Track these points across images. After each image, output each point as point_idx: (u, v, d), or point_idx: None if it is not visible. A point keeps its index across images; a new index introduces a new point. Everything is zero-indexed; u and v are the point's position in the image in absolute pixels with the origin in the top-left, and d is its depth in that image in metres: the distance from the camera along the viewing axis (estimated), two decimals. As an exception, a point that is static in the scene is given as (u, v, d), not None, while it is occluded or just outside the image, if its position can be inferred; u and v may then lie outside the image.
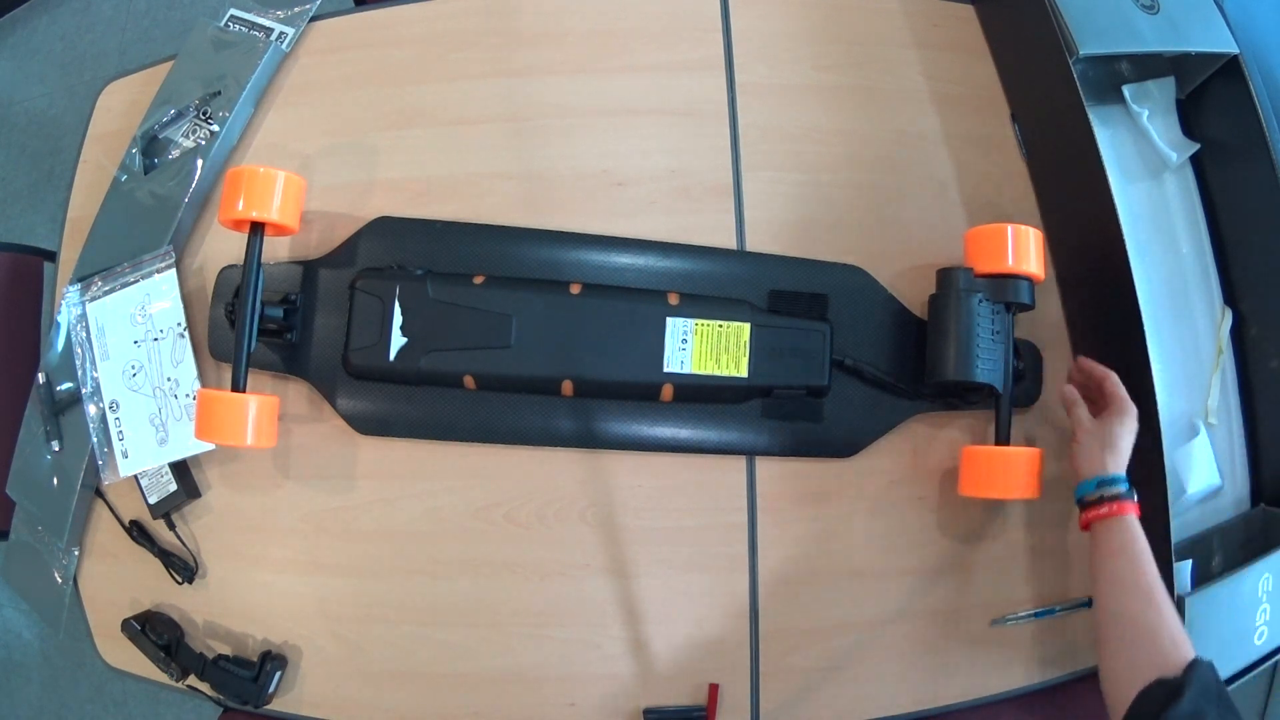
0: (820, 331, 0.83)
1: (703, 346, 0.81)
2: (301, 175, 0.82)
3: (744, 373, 0.82)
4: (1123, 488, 0.73)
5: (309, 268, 0.86)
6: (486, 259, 0.86)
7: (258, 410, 0.78)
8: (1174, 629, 0.66)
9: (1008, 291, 0.79)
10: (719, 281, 0.86)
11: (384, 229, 0.87)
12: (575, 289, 0.83)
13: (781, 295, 0.86)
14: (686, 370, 0.81)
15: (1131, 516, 0.72)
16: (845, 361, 0.84)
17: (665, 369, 0.81)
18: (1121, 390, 0.77)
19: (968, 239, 0.82)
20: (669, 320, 0.82)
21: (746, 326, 0.82)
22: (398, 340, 0.81)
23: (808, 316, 0.84)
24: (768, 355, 0.82)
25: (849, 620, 0.85)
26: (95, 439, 0.85)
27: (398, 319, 0.81)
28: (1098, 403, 0.79)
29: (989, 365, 0.78)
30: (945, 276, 0.83)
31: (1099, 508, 0.73)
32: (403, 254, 0.86)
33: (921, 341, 0.84)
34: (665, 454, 0.85)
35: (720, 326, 0.82)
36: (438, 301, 0.81)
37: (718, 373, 0.81)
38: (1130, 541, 0.71)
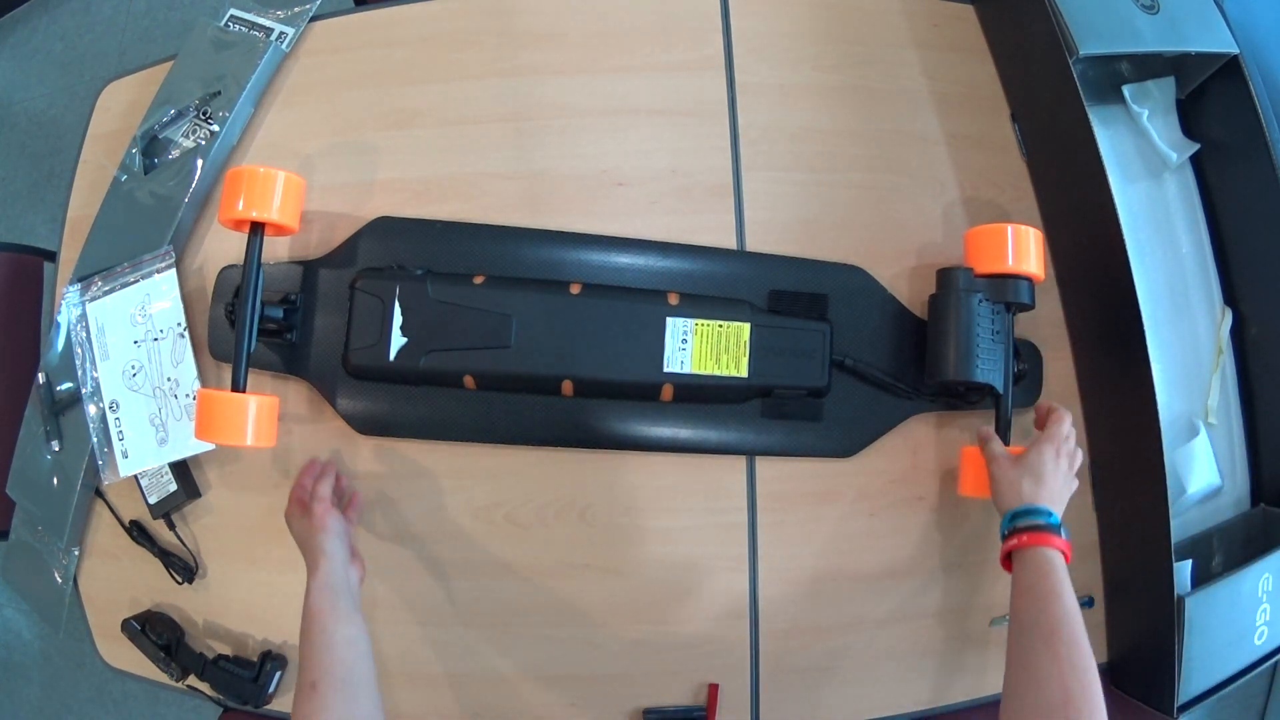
0: (820, 331, 0.83)
1: (703, 346, 0.81)
2: (301, 175, 0.82)
3: (744, 373, 0.82)
4: (1042, 519, 0.67)
5: (309, 268, 0.86)
6: (486, 259, 0.86)
7: (258, 410, 0.78)
8: (1069, 684, 0.58)
9: (1008, 291, 0.79)
10: (719, 281, 0.86)
11: (384, 229, 0.87)
12: (575, 289, 0.83)
13: (781, 295, 0.86)
14: (686, 370, 0.81)
15: (1047, 551, 0.65)
16: (845, 361, 0.84)
17: (665, 369, 0.81)
18: (1053, 424, 0.72)
19: (968, 239, 0.82)
20: (669, 320, 0.82)
21: (746, 326, 0.82)
22: (398, 340, 0.81)
23: (808, 316, 0.84)
24: (768, 355, 0.82)
25: (849, 620, 0.85)
26: (95, 439, 0.85)
27: (398, 319, 0.81)
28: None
29: (989, 365, 0.78)
30: (945, 276, 0.83)
31: (1012, 539, 0.67)
32: (403, 254, 0.86)
33: (921, 341, 0.84)
34: (665, 454, 0.85)
35: (720, 326, 0.82)
36: (438, 302, 0.81)
37: (718, 373, 0.81)
38: (1039, 579, 0.64)
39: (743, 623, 0.85)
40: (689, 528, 0.85)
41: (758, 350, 0.82)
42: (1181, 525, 0.85)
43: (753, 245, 0.88)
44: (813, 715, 0.85)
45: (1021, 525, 0.68)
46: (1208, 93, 0.89)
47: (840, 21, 0.93)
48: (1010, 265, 0.78)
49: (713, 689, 0.84)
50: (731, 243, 0.88)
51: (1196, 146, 0.90)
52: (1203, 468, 0.86)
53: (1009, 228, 0.79)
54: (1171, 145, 0.90)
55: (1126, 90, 0.91)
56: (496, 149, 0.90)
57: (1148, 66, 0.91)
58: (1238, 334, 0.90)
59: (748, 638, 0.85)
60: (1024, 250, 0.79)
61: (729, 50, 0.92)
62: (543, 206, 0.89)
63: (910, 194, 0.90)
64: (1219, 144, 0.90)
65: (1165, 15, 0.83)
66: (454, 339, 0.81)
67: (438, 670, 0.85)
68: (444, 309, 0.81)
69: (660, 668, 0.85)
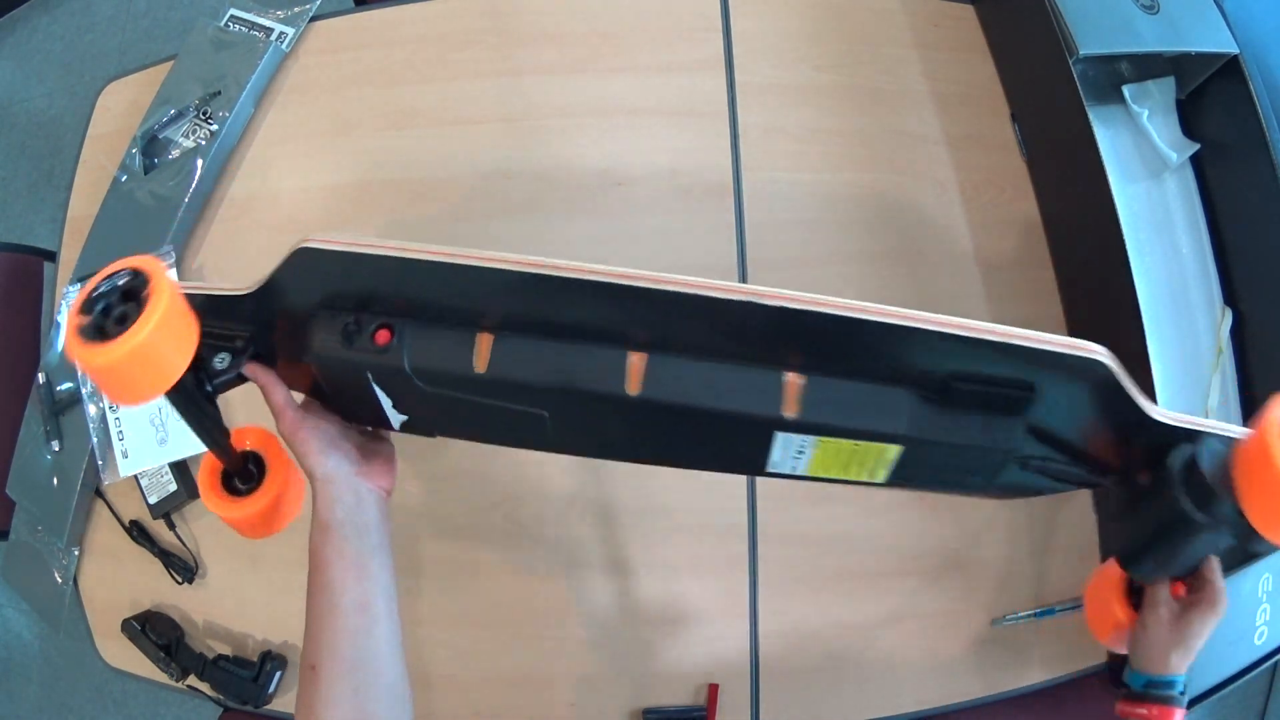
0: (1004, 451, 0.53)
1: (825, 460, 0.56)
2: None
3: (879, 479, 0.58)
4: (1175, 691, 0.63)
5: (247, 302, 0.53)
6: (489, 309, 0.52)
7: (261, 511, 0.58)
8: None
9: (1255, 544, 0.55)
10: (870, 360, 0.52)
11: (309, 266, 0.50)
12: (633, 387, 0.51)
13: (963, 381, 0.51)
14: (800, 473, 0.58)
15: None
16: (1031, 461, 0.55)
17: (768, 469, 0.57)
18: (1217, 577, 0.61)
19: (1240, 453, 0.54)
20: (778, 435, 0.54)
21: (894, 449, 0.54)
22: (397, 417, 0.58)
23: (994, 412, 0.53)
24: (917, 468, 0.56)
25: (849, 620, 0.85)
26: (95, 439, 0.85)
27: (386, 399, 0.56)
28: (1186, 582, 0.63)
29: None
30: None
31: (1139, 705, 0.64)
32: (361, 289, 0.52)
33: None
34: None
35: (855, 446, 0.54)
36: (433, 394, 0.54)
37: (841, 478, 0.58)
38: None
39: (743, 623, 0.85)
40: (689, 527, 0.85)
41: (903, 465, 0.56)
42: (1182, 525, 0.85)
43: (753, 245, 0.88)
44: (813, 715, 0.85)
45: (1154, 695, 0.64)
46: (1208, 93, 0.89)
47: (840, 21, 0.93)
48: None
49: (713, 689, 0.84)
50: (732, 242, 0.88)
51: (1196, 146, 0.90)
52: (1203, 468, 0.85)
53: None
54: (1171, 145, 0.90)
55: (1126, 90, 0.90)
56: (496, 149, 0.90)
57: (1148, 66, 0.91)
58: (1238, 334, 0.90)
59: (748, 638, 0.85)
60: None
61: (729, 50, 0.92)
62: (543, 206, 0.89)
63: (910, 194, 0.90)
64: (1219, 144, 0.89)
65: (1165, 15, 0.83)
66: (469, 428, 0.61)
67: (437, 670, 0.85)
68: (443, 401, 0.54)
69: (660, 668, 0.85)
